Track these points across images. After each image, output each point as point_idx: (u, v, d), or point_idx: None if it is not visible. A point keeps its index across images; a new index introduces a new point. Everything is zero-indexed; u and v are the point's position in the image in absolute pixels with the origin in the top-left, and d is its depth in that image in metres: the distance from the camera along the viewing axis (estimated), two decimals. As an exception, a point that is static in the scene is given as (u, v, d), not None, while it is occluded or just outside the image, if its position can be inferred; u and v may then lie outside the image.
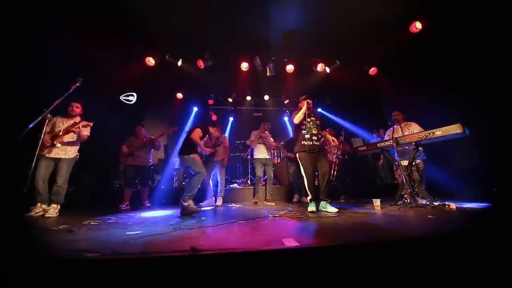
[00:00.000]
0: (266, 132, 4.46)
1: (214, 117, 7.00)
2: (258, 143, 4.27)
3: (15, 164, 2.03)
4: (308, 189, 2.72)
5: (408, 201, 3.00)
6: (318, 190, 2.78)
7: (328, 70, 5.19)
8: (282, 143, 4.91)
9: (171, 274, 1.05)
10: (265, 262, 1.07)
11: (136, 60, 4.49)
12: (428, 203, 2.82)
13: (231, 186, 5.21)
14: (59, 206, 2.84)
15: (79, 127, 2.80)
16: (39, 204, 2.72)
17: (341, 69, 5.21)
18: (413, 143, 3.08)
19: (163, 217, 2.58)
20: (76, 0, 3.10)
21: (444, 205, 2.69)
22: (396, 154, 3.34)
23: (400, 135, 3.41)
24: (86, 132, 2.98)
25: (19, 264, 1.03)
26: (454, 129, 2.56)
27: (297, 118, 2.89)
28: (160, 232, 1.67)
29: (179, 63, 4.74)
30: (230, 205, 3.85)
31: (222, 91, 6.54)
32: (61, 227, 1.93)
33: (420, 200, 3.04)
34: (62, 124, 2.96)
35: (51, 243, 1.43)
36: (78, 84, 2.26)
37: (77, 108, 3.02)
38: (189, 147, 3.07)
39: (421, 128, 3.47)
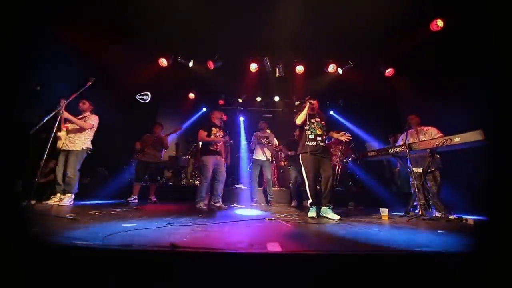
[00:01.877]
0: (267, 131, 4.45)
1: (224, 117, 7.11)
2: (257, 144, 4.27)
3: (33, 157, 2.24)
4: (309, 193, 2.63)
5: (420, 212, 2.78)
6: (320, 195, 2.66)
7: (340, 71, 5.00)
8: (280, 145, 4.84)
9: (150, 268, 1.07)
10: (240, 265, 1.04)
11: (150, 61, 4.72)
12: (442, 216, 2.58)
13: (236, 186, 5.24)
14: (73, 195, 3.07)
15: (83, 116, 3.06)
16: (58, 194, 3.01)
17: (354, 70, 5.00)
18: (428, 150, 2.84)
19: (163, 212, 2.66)
20: (91, 3, 3.33)
21: (461, 219, 2.45)
22: (408, 161, 3.11)
23: (415, 141, 3.17)
24: (89, 121, 3.19)
25: (14, 248, 1.11)
26: (475, 136, 2.32)
27: (299, 119, 2.85)
28: (153, 227, 1.72)
29: (191, 64, 4.89)
30: (232, 205, 3.86)
31: (232, 92, 6.62)
32: (67, 215, 2.07)
33: (435, 212, 2.81)
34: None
35: (52, 230, 1.54)
36: (90, 83, 2.41)
37: (83, 104, 3.24)
38: (202, 149, 3.30)
39: (440, 133, 3.20)
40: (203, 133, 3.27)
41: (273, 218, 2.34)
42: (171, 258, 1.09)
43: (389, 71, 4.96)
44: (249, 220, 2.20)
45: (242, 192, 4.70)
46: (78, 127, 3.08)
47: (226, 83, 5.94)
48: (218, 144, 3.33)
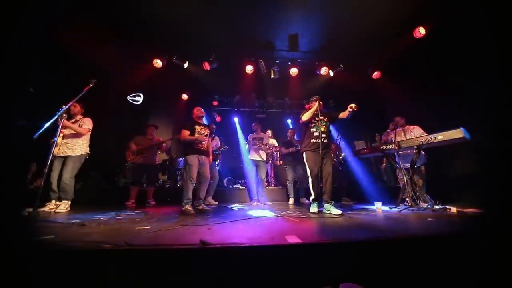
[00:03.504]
0: (264, 132, 4.59)
1: (218, 118, 7.12)
2: (253, 144, 4.38)
3: (29, 163, 2.14)
4: (312, 189, 2.73)
5: (409, 204, 3.05)
6: (321, 191, 2.76)
7: (331, 73, 5.25)
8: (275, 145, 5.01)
9: (181, 265, 1.13)
10: (269, 256, 1.14)
11: (144, 62, 4.62)
12: (429, 206, 2.85)
13: (233, 186, 5.29)
14: (69, 202, 2.96)
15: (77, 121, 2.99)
16: (53, 201, 2.90)
17: (344, 72, 5.27)
18: (415, 147, 3.12)
19: (170, 214, 2.67)
20: (85, 2, 3.22)
21: (445, 209, 2.73)
22: (397, 158, 3.39)
23: (402, 139, 3.46)
24: (85, 125, 3.12)
25: (29, 254, 1.11)
26: (456, 134, 2.60)
27: (305, 116, 2.92)
28: (169, 228, 1.75)
29: (186, 65, 4.86)
30: (231, 205, 3.92)
31: (226, 93, 6.65)
32: (73, 221, 2.02)
33: (421, 203, 3.08)
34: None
35: (65, 236, 1.52)
36: (91, 85, 2.36)
37: (74, 107, 3.12)
38: (184, 148, 3.10)
39: (423, 132, 3.51)
40: (185, 132, 3.04)
41: (279, 215, 2.45)
42: (203, 254, 1.16)
43: (376, 74, 5.30)
44: (257, 217, 2.29)
45: (241, 192, 4.77)
46: (74, 132, 2.99)
47: (219, 84, 5.96)
48: (203, 143, 3.13)
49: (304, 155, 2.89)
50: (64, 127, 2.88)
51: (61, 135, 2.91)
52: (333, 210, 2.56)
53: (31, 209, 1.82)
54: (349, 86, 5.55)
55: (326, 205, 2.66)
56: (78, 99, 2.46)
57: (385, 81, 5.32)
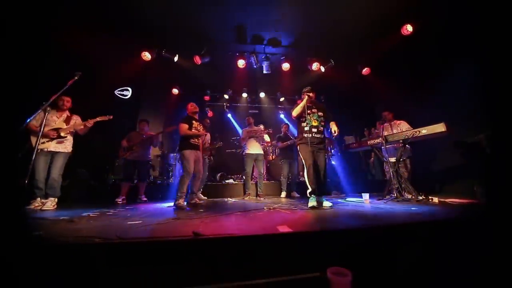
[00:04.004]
0: (256, 126, 4.60)
1: (209, 113, 7.05)
2: (249, 138, 4.38)
3: (14, 158, 2.05)
4: (308, 181, 2.60)
5: (395, 195, 3.19)
6: (319, 183, 2.66)
7: (323, 69, 5.31)
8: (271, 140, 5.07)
9: (175, 256, 1.15)
10: (260, 245, 1.18)
11: (132, 55, 4.47)
12: (413, 197, 3.00)
13: (226, 181, 5.31)
14: (56, 200, 2.87)
15: (90, 123, 3.03)
16: (38, 198, 2.77)
17: (335, 68, 5.35)
18: (401, 141, 3.25)
19: (162, 209, 2.66)
20: None
21: (428, 199, 2.88)
22: (384, 151, 3.52)
23: (389, 133, 3.58)
24: (78, 121, 3.08)
25: (22, 250, 1.09)
26: (439, 128, 2.73)
27: (295, 111, 2.85)
28: (162, 222, 1.76)
29: (176, 58, 4.75)
30: (226, 200, 3.95)
31: (218, 88, 6.57)
32: (61, 218, 1.98)
33: (406, 194, 3.24)
34: (56, 118, 2.99)
35: (54, 232, 1.49)
36: (76, 78, 2.27)
37: (67, 102, 3.05)
38: (181, 143, 3.11)
39: (409, 126, 3.65)
40: (184, 126, 3.07)
41: (271, 208, 2.51)
42: (196, 245, 1.18)
43: (365, 70, 5.42)
44: (250, 210, 2.33)
45: (232, 186, 4.80)
46: (70, 130, 2.95)
47: (211, 79, 5.88)
48: (198, 139, 3.17)
49: (298, 148, 2.85)
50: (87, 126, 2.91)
51: (55, 135, 2.82)
52: (324, 203, 2.56)
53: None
54: (340, 82, 5.64)
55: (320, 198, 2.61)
56: (66, 93, 2.39)
57: (374, 78, 5.44)
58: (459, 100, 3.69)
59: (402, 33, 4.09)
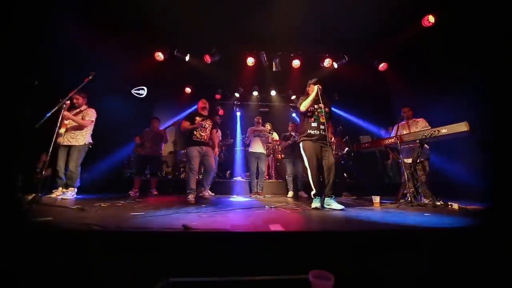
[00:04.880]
0: (264, 126, 4.58)
1: (220, 112, 7.15)
2: (254, 137, 4.38)
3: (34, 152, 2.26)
4: (312, 182, 2.44)
5: (410, 199, 2.96)
6: (323, 185, 2.51)
7: (335, 65, 5.10)
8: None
9: (165, 247, 1.19)
10: (247, 242, 1.16)
11: (145, 55, 4.68)
12: (430, 202, 2.77)
13: (234, 179, 5.36)
14: (75, 189, 3.13)
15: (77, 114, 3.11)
16: (60, 188, 3.06)
17: (349, 64, 5.10)
18: (418, 141, 3.01)
19: (168, 203, 2.75)
20: None
21: (447, 204, 2.64)
22: (400, 152, 3.28)
23: (406, 132, 3.33)
24: (87, 117, 3.24)
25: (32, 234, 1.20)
26: (461, 128, 2.48)
27: (303, 105, 2.56)
28: (161, 214, 1.82)
29: (187, 58, 4.88)
30: (231, 197, 3.98)
31: (229, 86, 6.64)
32: (74, 207, 2.14)
33: (423, 199, 2.99)
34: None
35: (63, 218, 1.62)
36: (91, 77, 2.43)
37: (77, 100, 3.24)
38: (185, 141, 3.17)
39: (427, 125, 3.37)
40: (185, 123, 3.11)
41: (273, 206, 2.47)
42: (184, 238, 1.20)
43: (382, 66, 5.09)
44: (251, 208, 2.32)
45: (240, 184, 4.83)
46: (76, 123, 3.13)
47: (222, 78, 5.95)
48: (203, 134, 3.13)
49: (301, 145, 2.60)
50: (66, 118, 3.03)
51: (65, 126, 3.06)
52: (334, 205, 2.35)
53: (34, 194, 1.94)
54: (354, 78, 5.37)
55: (327, 199, 2.42)
56: (79, 91, 2.57)
57: (392, 73, 5.10)
58: (484, 99, 3.30)
59: (423, 24, 3.76)
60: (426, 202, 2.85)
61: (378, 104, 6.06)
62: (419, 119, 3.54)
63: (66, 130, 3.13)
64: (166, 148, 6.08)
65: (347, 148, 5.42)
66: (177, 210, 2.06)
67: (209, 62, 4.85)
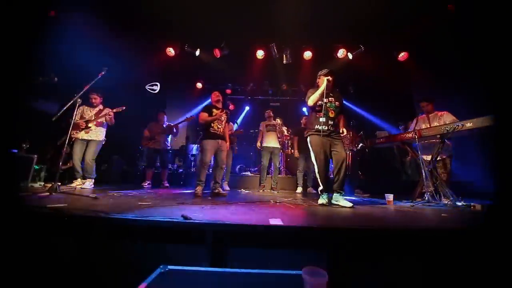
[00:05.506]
0: (275, 120, 4.50)
1: (231, 106, 7.17)
2: (267, 131, 4.31)
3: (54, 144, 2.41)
4: (319, 178, 2.35)
5: (426, 199, 2.76)
6: (330, 181, 2.40)
7: (350, 56, 4.83)
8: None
9: (163, 235, 1.22)
10: (243, 235, 1.15)
11: (157, 51, 4.79)
12: (450, 202, 2.56)
13: (244, 173, 5.39)
14: (93, 180, 3.35)
15: (110, 114, 3.33)
16: (79, 179, 3.30)
17: (365, 54, 4.80)
18: (439, 136, 2.77)
19: (176, 195, 2.84)
20: None
21: (469, 205, 2.42)
22: (418, 148, 3.06)
23: (426, 126, 3.08)
24: (108, 116, 3.43)
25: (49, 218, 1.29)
26: (486, 122, 2.23)
27: (311, 100, 2.43)
28: (166, 205, 1.87)
29: (197, 52, 4.91)
30: (239, 191, 4.01)
31: (240, 81, 6.60)
32: (90, 195, 2.28)
33: (443, 199, 2.77)
34: (90, 112, 3.46)
35: (76, 205, 1.72)
36: (103, 72, 2.53)
37: (95, 99, 3.44)
38: (202, 133, 3.19)
39: (455, 118, 3.05)
40: (204, 115, 3.05)
41: (278, 201, 2.44)
42: (182, 227, 1.22)
43: (402, 56, 4.72)
44: (255, 202, 2.31)
45: (250, 179, 4.84)
46: (102, 120, 3.37)
47: (233, 72, 5.93)
48: (220, 127, 3.09)
49: (308, 139, 2.50)
50: (97, 116, 3.27)
51: (90, 125, 3.28)
52: (342, 202, 2.24)
53: (52, 183, 2.10)
54: (371, 69, 5.05)
55: (335, 195, 2.31)
56: (96, 90, 2.70)
57: (413, 63, 4.72)
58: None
59: (449, 9, 3.40)
60: (446, 202, 2.64)
61: (397, 98, 5.68)
62: (442, 112, 3.23)
63: (86, 126, 3.32)
64: (178, 142, 6.26)
65: (361, 144, 5.18)
66: (183, 201, 2.11)
67: (219, 56, 4.83)
